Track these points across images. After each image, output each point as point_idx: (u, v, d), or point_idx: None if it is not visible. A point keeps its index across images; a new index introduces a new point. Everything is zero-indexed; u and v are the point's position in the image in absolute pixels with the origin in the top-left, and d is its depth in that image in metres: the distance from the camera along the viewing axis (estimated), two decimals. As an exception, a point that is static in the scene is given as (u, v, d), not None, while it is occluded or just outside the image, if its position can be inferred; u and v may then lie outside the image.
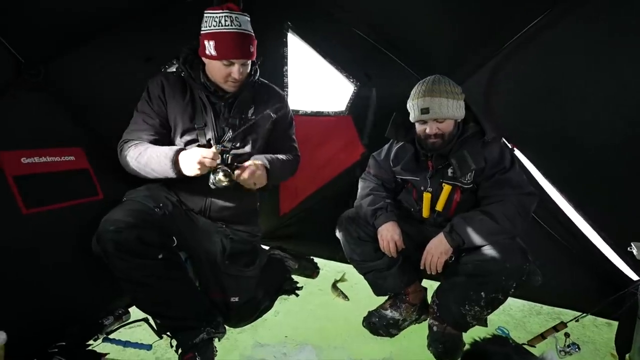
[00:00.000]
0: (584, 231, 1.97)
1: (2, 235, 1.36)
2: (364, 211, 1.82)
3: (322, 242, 2.18)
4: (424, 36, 2.04)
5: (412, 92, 1.69)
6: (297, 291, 2.16)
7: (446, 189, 1.70)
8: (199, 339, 1.51)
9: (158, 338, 1.61)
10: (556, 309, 2.28)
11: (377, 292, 1.88)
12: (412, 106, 1.67)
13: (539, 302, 2.30)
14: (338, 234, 1.90)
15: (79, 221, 1.54)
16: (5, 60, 1.41)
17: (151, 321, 1.61)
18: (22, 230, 1.41)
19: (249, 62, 1.57)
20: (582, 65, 1.66)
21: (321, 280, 2.39)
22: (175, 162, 1.44)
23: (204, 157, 1.40)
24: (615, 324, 1.88)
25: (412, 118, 1.71)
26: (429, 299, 1.82)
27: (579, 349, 1.68)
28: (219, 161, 1.46)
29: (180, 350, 1.52)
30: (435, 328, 1.71)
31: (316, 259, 2.49)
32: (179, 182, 1.53)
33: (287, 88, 2.25)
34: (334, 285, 2.22)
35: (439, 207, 1.72)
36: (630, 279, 1.87)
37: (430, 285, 1.88)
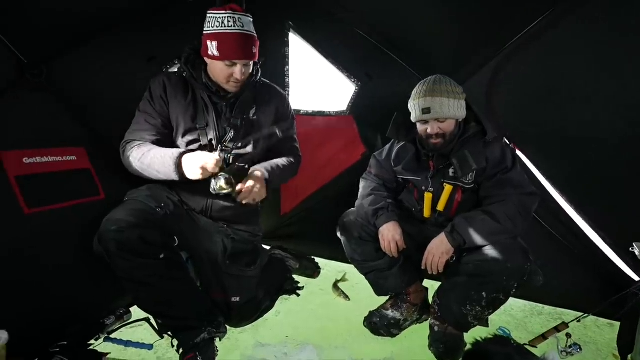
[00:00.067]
0: (586, 231, 1.96)
1: (4, 235, 1.36)
2: (365, 211, 1.82)
3: (323, 241, 2.18)
4: (425, 36, 2.04)
5: (413, 92, 1.69)
6: (298, 291, 2.17)
7: (447, 189, 1.69)
8: (200, 339, 1.51)
9: (159, 338, 1.61)
10: (558, 309, 2.28)
11: (378, 292, 1.88)
12: (414, 106, 1.67)
13: (541, 302, 2.29)
14: (339, 234, 1.90)
15: (81, 221, 1.54)
16: (7, 60, 1.41)
17: (152, 321, 1.61)
18: (24, 230, 1.41)
19: (251, 62, 1.57)
20: (582, 65, 1.66)
21: (322, 280, 2.39)
22: (178, 165, 1.45)
23: (207, 163, 1.41)
24: (618, 324, 1.87)
25: (413, 118, 1.70)
26: (430, 299, 1.81)
27: (580, 349, 1.68)
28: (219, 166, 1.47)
29: (181, 350, 1.52)
30: (436, 328, 1.71)
31: (317, 259, 2.50)
32: (181, 182, 1.54)
33: (289, 88, 2.25)
34: (335, 285, 2.22)
35: (440, 207, 1.72)
36: (632, 280, 1.87)
37: (432, 286, 1.88)
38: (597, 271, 1.99)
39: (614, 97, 1.63)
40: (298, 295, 2.15)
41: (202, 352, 1.49)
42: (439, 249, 1.61)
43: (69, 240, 1.53)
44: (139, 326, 1.67)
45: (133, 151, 1.51)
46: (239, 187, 1.53)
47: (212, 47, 1.48)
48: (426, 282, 1.94)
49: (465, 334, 1.70)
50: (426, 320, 1.85)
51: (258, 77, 1.68)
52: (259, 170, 1.64)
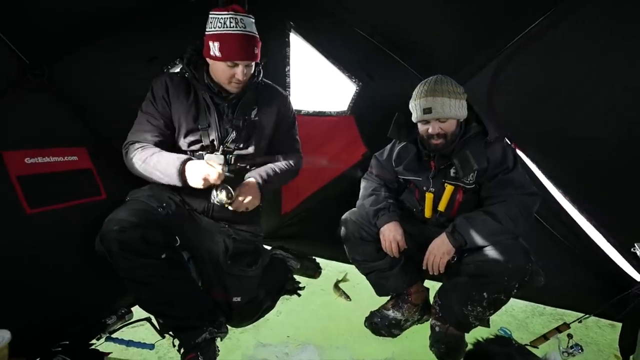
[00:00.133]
0: (587, 231, 1.96)
1: (6, 235, 1.37)
2: (366, 211, 1.82)
3: (324, 241, 2.18)
4: (427, 37, 2.04)
5: (414, 92, 1.69)
6: (299, 291, 2.17)
7: (448, 189, 1.69)
8: (202, 339, 1.51)
9: (161, 337, 1.61)
10: (559, 309, 2.28)
11: (379, 292, 1.88)
12: (415, 106, 1.67)
13: (542, 302, 2.29)
14: (340, 234, 1.90)
15: (82, 221, 1.54)
16: (8, 61, 1.41)
17: (154, 321, 1.62)
18: (26, 230, 1.41)
19: (253, 63, 1.57)
20: (583, 65, 1.66)
21: (323, 280, 2.39)
22: (181, 173, 1.46)
23: (209, 175, 1.43)
24: (619, 325, 1.87)
25: (414, 118, 1.70)
26: (432, 300, 1.81)
27: (582, 350, 1.68)
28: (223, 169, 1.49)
29: (182, 350, 1.52)
30: (437, 328, 1.70)
31: (318, 259, 2.50)
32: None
33: (290, 88, 2.25)
34: (336, 285, 2.22)
35: (442, 207, 1.72)
36: (634, 280, 1.86)
37: (433, 286, 1.88)
38: (599, 272, 1.99)
39: (615, 97, 1.63)
40: (299, 295, 2.15)
41: (203, 352, 1.50)
42: (440, 249, 1.61)
43: (70, 240, 1.54)
44: (140, 326, 1.67)
45: (136, 153, 1.51)
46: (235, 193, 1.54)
47: (214, 48, 1.48)
48: (427, 283, 1.94)
49: (466, 334, 1.69)
50: (427, 320, 1.85)
51: (260, 78, 1.68)
52: (253, 177, 1.64)
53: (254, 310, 1.79)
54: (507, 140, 1.84)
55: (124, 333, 1.66)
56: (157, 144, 1.56)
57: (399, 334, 1.87)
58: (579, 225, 1.96)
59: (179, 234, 1.54)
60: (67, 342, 1.44)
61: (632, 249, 1.56)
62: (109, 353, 1.54)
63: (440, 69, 1.82)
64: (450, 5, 1.83)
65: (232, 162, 1.64)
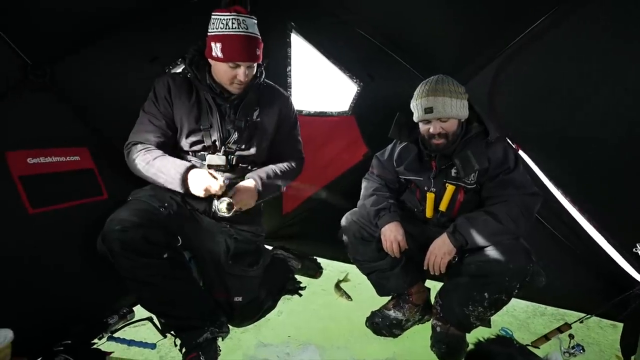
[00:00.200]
0: (588, 232, 1.96)
1: (9, 235, 1.37)
2: (367, 211, 1.82)
3: (325, 241, 2.18)
4: (428, 37, 2.04)
5: (415, 92, 1.69)
6: (300, 291, 2.17)
7: (449, 189, 1.69)
8: (203, 339, 1.52)
9: (162, 337, 1.62)
10: (560, 310, 2.28)
11: (380, 292, 1.88)
12: (416, 106, 1.67)
13: (543, 303, 2.29)
14: (341, 234, 1.90)
15: (84, 221, 1.55)
16: (11, 61, 1.42)
17: (155, 320, 1.62)
18: (28, 230, 1.42)
19: (255, 64, 1.57)
20: (584, 66, 1.66)
21: (324, 280, 2.39)
22: (184, 180, 1.47)
23: (211, 187, 1.44)
24: (621, 325, 1.87)
25: (415, 118, 1.70)
26: (432, 300, 1.81)
27: (583, 350, 1.68)
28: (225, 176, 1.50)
29: (184, 350, 1.53)
30: (438, 328, 1.70)
31: (319, 259, 2.50)
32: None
33: (291, 88, 2.26)
34: (337, 285, 2.22)
35: (443, 207, 1.72)
36: (636, 280, 1.86)
37: (434, 286, 1.88)
38: (600, 272, 1.99)
39: (615, 97, 1.63)
40: (300, 295, 2.15)
41: (204, 351, 1.50)
42: (441, 250, 1.61)
43: (72, 240, 1.54)
44: (142, 325, 1.68)
45: (139, 156, 1.51)
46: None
47: (216, 49, 1.48)
48: (428, 283, 1.94)
49: (467, 334, 1.69)
50: (428, 320, 1.85)
51: (262, 79, 1.69)
52: (252, 178, 1.63)
53: (255, 310, 1.79)
54: (509, 141, 1.84)
55: (125, 333, 1.66)
56: (158, 144, 1.57)
57: (400, 334, 1.87)
58: (580, 226, 1.96)
59: (181, 234, 1.55)
60: (69, 342, 1.44)
61: (633, 249, 1.56)
62: (110, 352, 1.54)
63: (442, 69, 1.82)
64: (451, 5, 1.83)
65: (233, 163, 1.64)
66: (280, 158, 1.79)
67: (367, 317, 1.92)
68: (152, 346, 1.62)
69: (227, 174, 1.64)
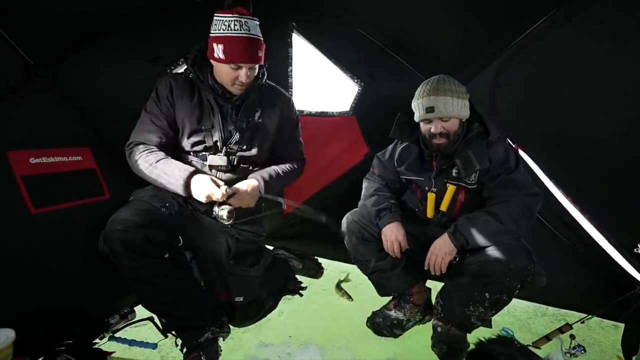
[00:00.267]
0: (589, 232, 1.96)
1: (11, 235, 1.38)
2: (368, 211, 1.83)
3: (326, 242, 2.18)
4: (429, 37, 2.04)
5: (417, 92, 1.69)
6: (301, 291, 2.17)
7: (450, 189, 1.69)
8: (204, 339, 1.52)
9: (163, 337, 1.62)
10: (561, 310, 2.27)
11: (381, 292, 1.88)
12: (417, 105, 1.67)
13: (544, 303, 2.29)
14: (342, 234, 1.90)
15: (86, 221, 1.55)
16: (13, 61, 1.42)
17: (156, 320, 1.62)
18: (31, 230, 1.42)
19: (257, 65, 1.57)
20: (585, 66, 1.66)
21: (325, 281, 2.39)
22: (187, 185, 1.48)
23: (213, 194, 1.45)
24: (622, 326, 1.87)
25: (417, 117, 1.71)
26: (433, 300, 1.81)
27: (584, 350, 1.67)
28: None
29: (185, 350, 1.53)
30: (439, 329, 1.70)
31: (320, 259, 2.50)
32: None
33: (292, 88, 2.26)
34: (338, 286, 2.22)
35: (443, 207, 1.72)
36: (637, 281, 1.86)
37: (435, 286, 1.88)
38: (601, 272, 1.98)
39: (616, 97, 1.63)
40: (301, 295, 2.16)
41: (205, 351, 1.50)
42: (441, 250, 1.61)
43: (74, 240, 1.55)
44: (143, 325, 1.68)
45: (142, 157, 1.51)
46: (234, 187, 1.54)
47: (218, 50, 1.48)
48: (429, 283, 1.94)
49: (468, 334, 1.69)
50: (429, 320, 1.85)
51: (264, 80, 1.69)
52: (256, 179, 1.63)
53: (256, 310, 1.79)
54: (510, 141, 1.84)
55: (127, 332, 1.67)
56: (160, 145, 1.57)
57: (401, 334, 1.87)
58: (580, 226, 1.96)
59: (182, 234, 1.55)
60: (71, 341, 1.45)
61: (634, 250, 1.55)
62: (112, 352, 1.55)
63: (443, 69, 1.82)
64: (453, 6, 1.83)
65: (235, 164, 1.64)
66: (282, 159, 1.80)
67: (368, 317, 1.92)
68: (153, 346, 1.62)
69: (229, 174, 1.64)
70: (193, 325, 1.54)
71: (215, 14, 1.50)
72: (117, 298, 1.70)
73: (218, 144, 1.62)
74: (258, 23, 1.52)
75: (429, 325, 1.80)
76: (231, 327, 1.70)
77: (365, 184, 1.98)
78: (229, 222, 1.49)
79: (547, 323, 2.20)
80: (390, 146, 1.96)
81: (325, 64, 2.24)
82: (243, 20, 1.46)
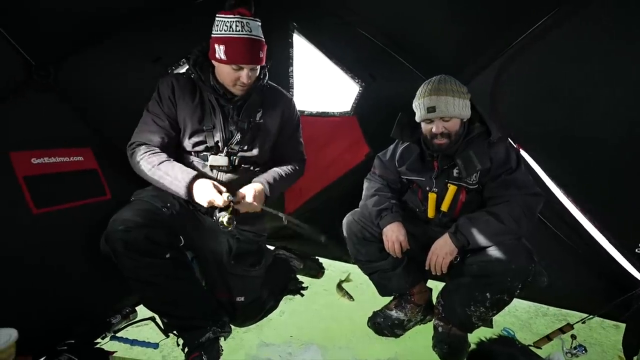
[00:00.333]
0: (590, 232, 1.95)
1: (13, 235, 1.38)
2: (369, 211, 1.83)
3: (327, 241, 2.18)
4: (430, 37, 2.04)
5: (418, 92, 1.69)
6: (302, 291, 2.17)
7: (451, 189, 1.69)
8: (205, 338, 1.52)
9: (165, 337, 1.62)
10: (563, 310, 2.27)
11: (382, 292, 1.88)
12: (418, 105, 1.67)
13: (545, 303, 2.29)
14: (343, 234, 1.90)
15: (88, 221, 1.55)
16: (15, 62, 1.42)
17: (158, 320, 1.63)
18: (32, 230, 1.42)
19: (258, 66, 1.58)
20: (585, 66, 1.66)
21: (326, 281, 2.39)
22: (189, 190, 1.48)
23: (215, 201, 1.45)
24: (623, 326, 1.86)
25: (418, 117, 1.71)
26: (434, 300, 1.81)
27: (585, 351, 1.67)
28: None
29: (186, 349, 1.53)
30: (440, 329, 1.71)
31: (321, 259, 2.50)
32: None
33: (293, 89, 2.26)
34: (339, 286, 2.22)
35: (444, 207, 1.72)
36: (638, 281, 1.86)
37: (436, 286, 1.88)
38: (602, 272, 1.98)
39: (616, 97, 1.63)
40: (302, 295, 2.16)
41: (207, 351, 1.51)
42: (442, 250, 1.61)
43: (76, 240, 1.55)
44: (144, 325, 1.68)
45: (144, 158, 1.51)
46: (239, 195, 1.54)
47: (220, 51, 1.48)
48: (430, 283, 1.94)
49: (469, 334, 1.69)
50: (430, 320, 1.85)
51: (265, 81, 1.69)
52: (261, 183, 1.63)
53: (257, 310, 1.80)
54: (511, 141, 1.84)
55: (128, 332, 1.67)
56: (162, 145, 1.57)
57: (402, 334, 1.87)
58: (581, 226, 1.96)
59: (183, 234, 1.56)
60: (73, 341, 1.45)
61: (636, 250, 1.55)
62: (113, 352, 1.55)
63: (444, 69, 1.81)
64: (453, 6, 1.83)
65: (236, 164, 1.64)
66: (283, 160, 1.80)
67: (369, 317, 1.92)
68: (155, 346, 1.62)
69: (230, 175, 1.64)
70: (194, 325, 1.54)
71: (217, 15, 1.50)
72: (118, 298, 1.70)
73: (219, 144, 1.62)
74: (260, 24, 1.53)
75: (430, 326, 1.80)
76: (232, 327, 1.70)
77: (366, 184, 1.98)
78: (230, 228, 1.49)
79: (548, 323, 2.20)
80: (391, 146, 1.96)
81: (326, 64, 2.24)
82: (245, 21, 1.47)
